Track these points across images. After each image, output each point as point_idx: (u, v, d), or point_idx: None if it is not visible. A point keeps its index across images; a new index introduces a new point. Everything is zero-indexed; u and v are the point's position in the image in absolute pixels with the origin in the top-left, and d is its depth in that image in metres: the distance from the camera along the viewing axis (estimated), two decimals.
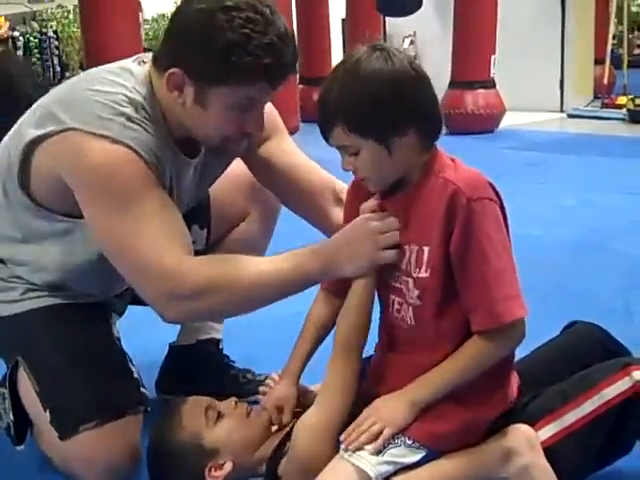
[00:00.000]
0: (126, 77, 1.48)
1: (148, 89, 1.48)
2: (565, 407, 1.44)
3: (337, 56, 8.48)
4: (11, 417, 1.63)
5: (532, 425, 1.42)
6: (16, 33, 10.82)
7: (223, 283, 1.41)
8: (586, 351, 1.60)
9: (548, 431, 1.43)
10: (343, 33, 8.41)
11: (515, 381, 1.46)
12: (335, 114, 1.30)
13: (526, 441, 1.40)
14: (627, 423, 1.44)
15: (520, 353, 1.48)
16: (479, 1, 6.68)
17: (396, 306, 1.41)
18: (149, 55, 1.56)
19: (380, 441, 1.34)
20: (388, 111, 1.28)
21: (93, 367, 1.57)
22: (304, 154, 1.79)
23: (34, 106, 1.54)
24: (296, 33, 7.78)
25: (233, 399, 1.57)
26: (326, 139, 1.35)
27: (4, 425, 1.67)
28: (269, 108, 1.61)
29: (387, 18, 8.11)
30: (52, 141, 1.43)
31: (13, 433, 1.65)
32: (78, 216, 1.48)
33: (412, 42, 9.61)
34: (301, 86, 8.19)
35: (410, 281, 1.36)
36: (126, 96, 1.44)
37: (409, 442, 1.35)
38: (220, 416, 1.52)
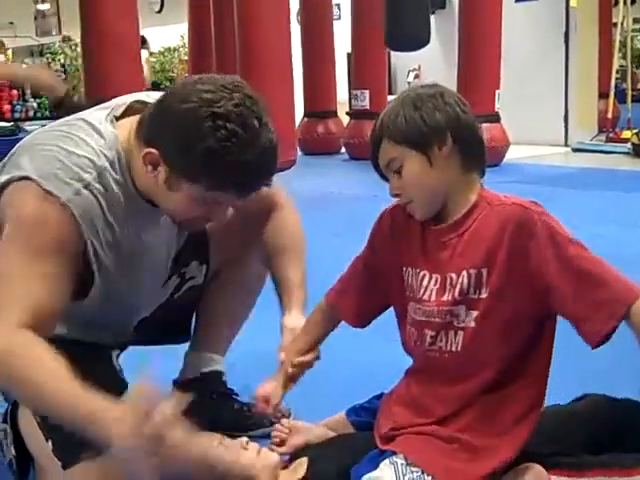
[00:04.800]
0: (96, 138, 1.49)
1: (117, 151, 1.50)
2: (591, 471, 1.42)
3: (342, 90, 8.55)
4: (13, 452, 1.63)
5: (547, 469, 1.41)
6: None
7: (13, 366, 1.36)
8: (598, 417, 1.56)
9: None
10: (348, 67, 8.47)
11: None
12: (382, 130, 1.41)
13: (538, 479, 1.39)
14: None
15: None
16: (483, 36, 6.74)
17: (428, 339, 1.42)
18: (121, 103, 1.57)
19: None
20: (427, 114, 1.37)
21: None
22: None
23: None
24: (301, 67, 7.92)
25: (244, 439, 1.55)
26: (376, 164, 1.44)
27: (7, 460, 1.67)
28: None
29: (392, 52, 8.17)
30: (11, 188, 1.46)
31: (16, 468, 1.65)
32: None
33: (417, 76, 9.70)
34: (305, 119, 8.26)
35: (462, 306, 1.38)
36: (91, 160, 1.46)
37: None
38: None
